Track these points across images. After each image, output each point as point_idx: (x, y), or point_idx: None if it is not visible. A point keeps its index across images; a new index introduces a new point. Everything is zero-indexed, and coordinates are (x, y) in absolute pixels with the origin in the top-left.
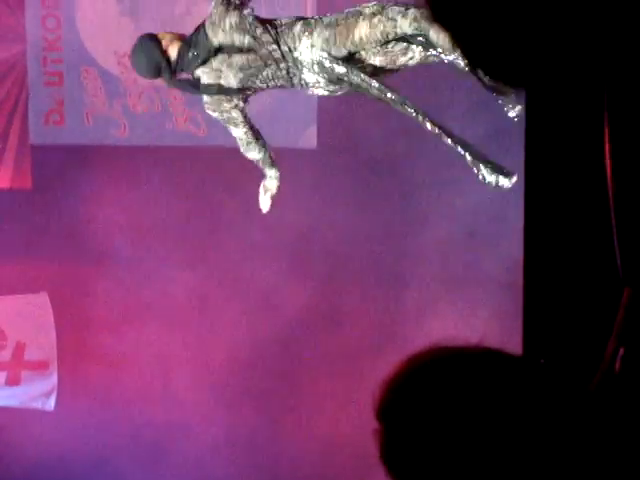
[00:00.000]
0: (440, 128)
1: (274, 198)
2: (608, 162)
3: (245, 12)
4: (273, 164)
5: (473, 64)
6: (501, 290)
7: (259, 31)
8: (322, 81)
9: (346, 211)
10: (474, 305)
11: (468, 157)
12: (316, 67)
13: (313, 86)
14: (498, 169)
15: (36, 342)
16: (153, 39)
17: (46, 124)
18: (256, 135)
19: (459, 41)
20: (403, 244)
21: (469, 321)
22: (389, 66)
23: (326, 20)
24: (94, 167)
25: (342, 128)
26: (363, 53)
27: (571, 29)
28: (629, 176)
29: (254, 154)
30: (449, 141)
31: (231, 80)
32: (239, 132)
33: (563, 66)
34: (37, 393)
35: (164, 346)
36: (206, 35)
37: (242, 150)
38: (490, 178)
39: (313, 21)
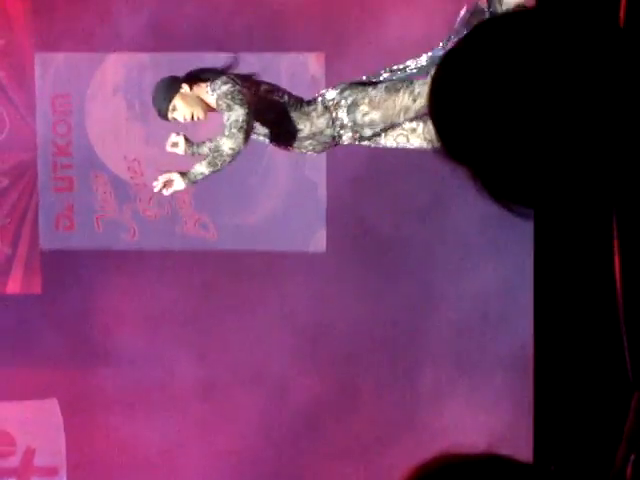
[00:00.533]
0: None
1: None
2: (617, 268)
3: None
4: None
5: (481, 184)
6: (514, 377)
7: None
8: None
9: (358, 300)
10: (487, 392)
11: None
12: None
13: None
14: None
15: (45, 448)
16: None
17: (56, 229)
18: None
19: (465, 162)
20: (416, 328)
21: (482, 407)
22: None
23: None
24: (104, 272)
25: (352, 230)
26: None
27: (578, 151)
28: (638, 282)
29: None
30: None
31: None
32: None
33: (571, 186)
34: None
35: (175, 447)
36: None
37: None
38: None
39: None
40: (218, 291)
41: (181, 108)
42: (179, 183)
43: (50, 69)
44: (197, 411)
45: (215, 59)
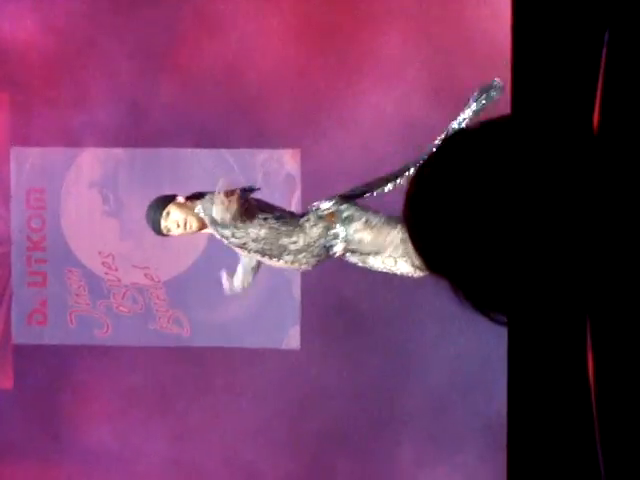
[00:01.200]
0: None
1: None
2: (591, 367)
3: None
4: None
5: (457, 286)
6: (490, 450)
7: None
8: None
9: (334, 391)
10: (463, 466)
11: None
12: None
13: None
14: None
15: None
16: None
17: (29, 324)
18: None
19: (439, 268)
20: (393, 402)
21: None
22: None
23: None
24: (77, 367)
25: (325, 327)
26: None
27: (554, 255)
28: (612, 384)
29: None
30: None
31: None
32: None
33: (545, 291)
34: None
35: None
36: None
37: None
38: None
39: None
40: (190, 384)
41: (175, 214)
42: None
43: (25, 163)
44: None
45: (191, 155)
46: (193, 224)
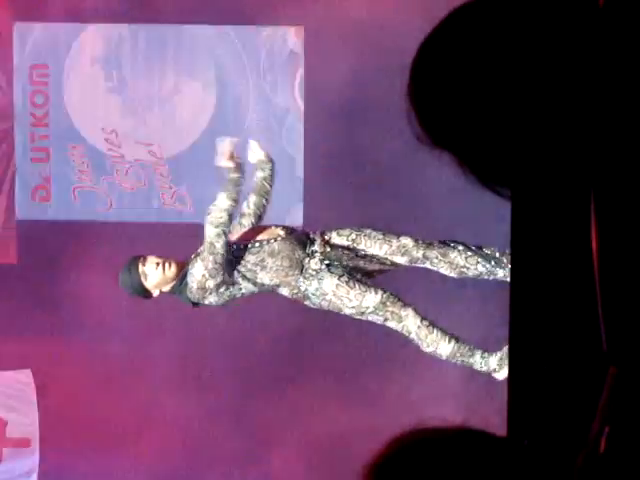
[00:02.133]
0: None
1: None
2: (594, 236)
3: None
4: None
5: (462, 160)
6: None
7: None
8: None
9: None
10: (462, 376)
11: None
12: None
13: None
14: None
15: (18, 419)
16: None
17: (33, 200)
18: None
19: (444, 142)
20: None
21: (457, 380)
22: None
23: None
24: (80, 243)
25: (328, 205)
26: None
27: (557, 131)
28: (615, 252)
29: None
30: None
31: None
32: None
33: (549, 165)
34: (18, 471)
35: (149, 421)
36: None
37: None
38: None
39: None
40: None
41: (152, 258)
42: None
43: (29, 39)
44: (173, 379)
45: (194, 31)
46: (172, 265)
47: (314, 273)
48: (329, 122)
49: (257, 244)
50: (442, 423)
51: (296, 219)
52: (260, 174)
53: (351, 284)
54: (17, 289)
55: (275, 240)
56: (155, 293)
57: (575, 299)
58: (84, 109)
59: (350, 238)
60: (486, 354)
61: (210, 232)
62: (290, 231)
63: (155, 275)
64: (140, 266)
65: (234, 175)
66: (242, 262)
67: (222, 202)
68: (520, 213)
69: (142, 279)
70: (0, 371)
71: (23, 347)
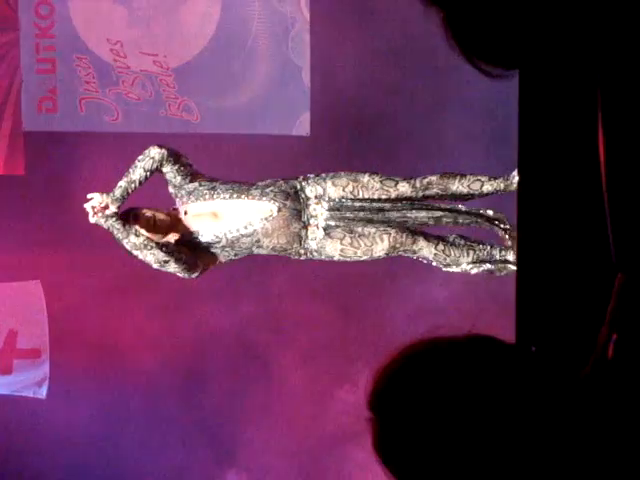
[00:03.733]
0: None
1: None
2: (601, 143)
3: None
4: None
5: (466, 47)
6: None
7: None
8: None
9: (346, 164)
10: (468, 287)
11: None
12: None
13: None
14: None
15: (28, 330)
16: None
17: (39, 111)
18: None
19: (452, 24)
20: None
21: (463, 304)
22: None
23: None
24: (87, 154)
25: (335, 115)
26: None
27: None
28: (623, 159)
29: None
30: None
31: None
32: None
33: (557, 48)
34: (29, 381)
35: (156, 331)
36: None
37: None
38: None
39: None
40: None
41: (146, 212)
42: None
43: None
44: (184, 287)
45: None
46: (162, 215)
47: (313, 243)
48: (335, 31)
49: (250, 226)
50: (451, 331)
51: (304, 128)
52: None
53: (355, 244)
54: (25, 200)
55: (267, 219)
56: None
57: (583, 207)
58: (89, 20)
59: (347, 190)
60: (503, 250)
61: (152, 262)
62: (282, 202)
63: (145, 229)
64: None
65: (111, 222)
66: (235, 245)
67: (133, 242)
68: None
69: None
70: (9, 282)
71: (32, 258)
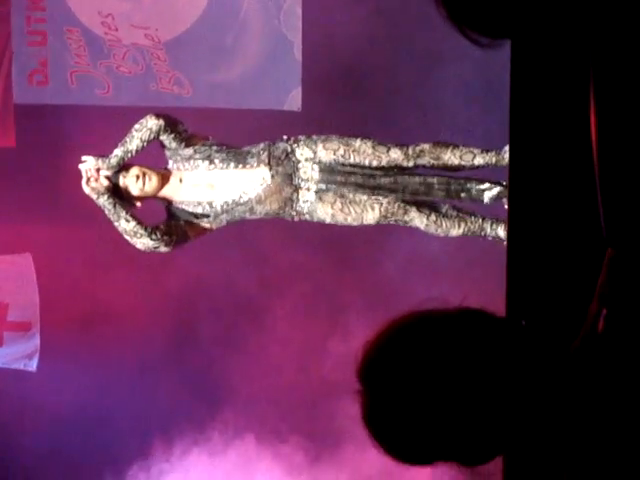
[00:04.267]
0: None
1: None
2: (593, 118)
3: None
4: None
5: (457, 16)
6: (485, 247)
7: None
8: None
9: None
10: (461, 263)
11: None
12: None
13: None
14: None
15: (19, 303)
16: None
17: (30, 84)
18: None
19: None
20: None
21: (454, 279)
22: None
23: None
24: (78, 127)
25: (327, 90)
26: None
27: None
28: (614, 134)
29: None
30: None
31: None
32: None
33: (550, 20)
34: (19, 354)
35: (148, 303)
36: None
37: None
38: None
39: None
40: None
41: (134, 170)
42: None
43: None
44: (171, 260)
45: None
46: (152, 178)
47: (305, 206)
48: (327, 5)
49: (244, 195)
50: (441, 304)
51: (295, 102)
52: None
53: (346, 210)
54: (15, 173)
55: (261, 186)
56: (137, 204)
57: (573, 182)
58: None
59: (338, 154)
60: (495, 224)
61: (141, 248)
62: (275, 168)
63: (135, 188)
64: (121, 178)
65: (103, 200)
66: (229, 213)
67: (123, 228)
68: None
69: (122, 191)
70: (0, 255)
71: (22, 231)
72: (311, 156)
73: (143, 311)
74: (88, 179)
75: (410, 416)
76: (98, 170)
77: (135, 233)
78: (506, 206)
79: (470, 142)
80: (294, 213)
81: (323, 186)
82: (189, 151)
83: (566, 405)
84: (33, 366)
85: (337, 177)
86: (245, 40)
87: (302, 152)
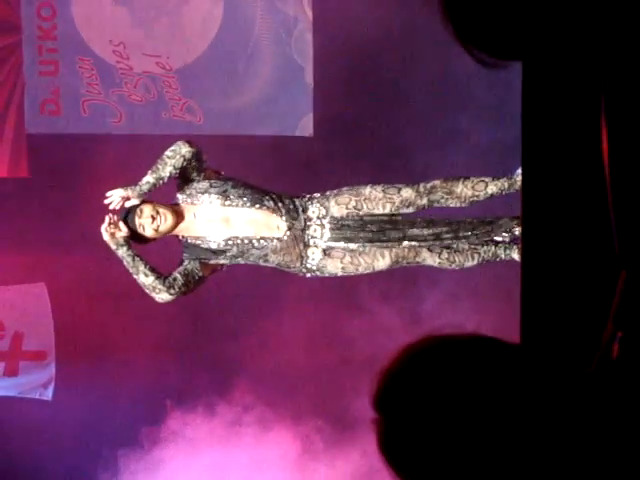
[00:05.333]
0: None
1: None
2: (605, 139)
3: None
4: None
5: (467, 39)
6: (500, 269)
7: None
8: None
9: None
10: (474, 284)
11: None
12: None
13: None
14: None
15: (34, 332)
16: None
17: (42, 113)
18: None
19: (453, 16)
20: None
21: (468, 301)
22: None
23: None
24: (90, 156)
25: (339, 115)
26: None
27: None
28: (626, 157)
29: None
30: None
31: None
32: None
33: (561, 42)
34: (35, 383)
35: (163, 333)
36: None
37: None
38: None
39: None
40: None
41: (147, 209)
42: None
43: None
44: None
45: None
46: (168, 217)
47: (314, 263)
48: (338, 31)
49: (262, 241)
50: (454, 331)
51: (307, 129)
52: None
53: (355, 261)
54: (29, 203)
55: (278, 238)
56: (153, 238)
57: (587, 204)
58: (92, 21)
59: (350, 206)
60: (508, 249)
61: (158, 301)
62: (291, 221)
63: (149, 229)
64: (137, 218)
65: (123, 251)
66: (244, 255)
67: (142, 282)
68: (531, 116)
69: (139, 230)
70: (14, 285)
71: (36, 261)
72: (323, 213)
73: (156, 339)
74: (110, 224)
75: (427, 444)
76: (116, 224)
77: (154, 288)
78: (516, 256)
79: (484, 166)
80: (304, 270)
81: (332, 244)
82: (205, 184)
83: (580, 430)
84: (49, 395)
85: (347, 233)
86: (256, 67)
87: (314, 210)
